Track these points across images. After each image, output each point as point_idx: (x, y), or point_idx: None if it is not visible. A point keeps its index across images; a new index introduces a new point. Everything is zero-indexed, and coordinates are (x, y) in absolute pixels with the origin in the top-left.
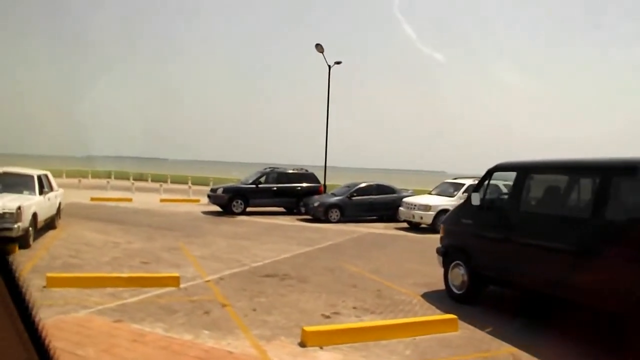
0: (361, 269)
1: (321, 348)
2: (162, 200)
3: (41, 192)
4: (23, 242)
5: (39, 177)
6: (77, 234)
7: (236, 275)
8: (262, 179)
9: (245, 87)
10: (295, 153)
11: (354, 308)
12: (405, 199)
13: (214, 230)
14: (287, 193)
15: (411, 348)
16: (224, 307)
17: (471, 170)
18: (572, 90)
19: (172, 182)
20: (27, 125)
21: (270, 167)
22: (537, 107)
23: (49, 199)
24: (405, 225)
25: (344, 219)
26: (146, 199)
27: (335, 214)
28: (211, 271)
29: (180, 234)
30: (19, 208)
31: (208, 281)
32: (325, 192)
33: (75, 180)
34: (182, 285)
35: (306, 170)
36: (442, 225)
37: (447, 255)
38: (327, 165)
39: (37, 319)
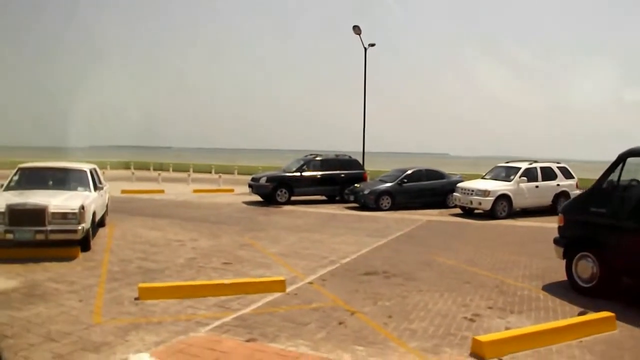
0: (455, 261)
1: (499, 359)
2: (195, 191)
3: (95, 188)
4: (85, 244)
5: (91, 172)
6: (130, 231)
7: (335, 274)
8: (306, 167)
9: (255, 70)
10: (311, 138)
11: (490, 308)
12: (460, 184)
13: (270, 223)
14: (331, 181)
15: (585, 352)
16: (352, 314)
17: (472, 151)
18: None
19: (194, 172)
20: (25, 117)
21: (311, 154)
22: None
23: (101, 195)
24: (458, 210)
25: (395, 206)
26: (178, 190)
27: (386, 201)
28: (305, 271)
29: (239, 228)
30: (82, 207)
31: (311, 283)
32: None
33: None
34: (288, 290)
35: (349, 157)
36: (561, 215)
37: (571, 246)
38: (345, 150)
39: None
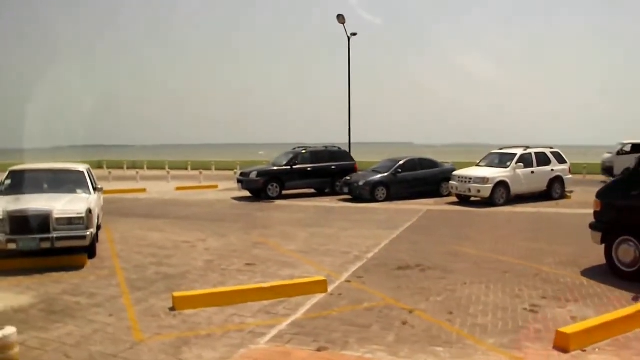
0: (478, 250)
1: (584, 351)
2: (178, 189)
3: (95, 190)
4: (91, 251)
5: (87, 172)
6: (130, 234)
7: (368, 270)
8: (296, 160)
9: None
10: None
11: (544, 298)
12: (456, 172)
13: (271, 219)
14: (322, 173)
15: None
16: (411, 312)
17: (439, 139)
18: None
19: (170, 168)
20: None
21: (300, 146)
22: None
23: (99, 197)
24: (453, 199)
25: (390, 197)
26: (159, 188)
27: (381, 192)
28: (335, 268)
29: (242, 226)
30: (89, 211)
31: (349, 281)
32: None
33: None
34: (328, 290)
35: (339, 148)
36: (597, 200)
37: (611, 231)
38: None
39: None
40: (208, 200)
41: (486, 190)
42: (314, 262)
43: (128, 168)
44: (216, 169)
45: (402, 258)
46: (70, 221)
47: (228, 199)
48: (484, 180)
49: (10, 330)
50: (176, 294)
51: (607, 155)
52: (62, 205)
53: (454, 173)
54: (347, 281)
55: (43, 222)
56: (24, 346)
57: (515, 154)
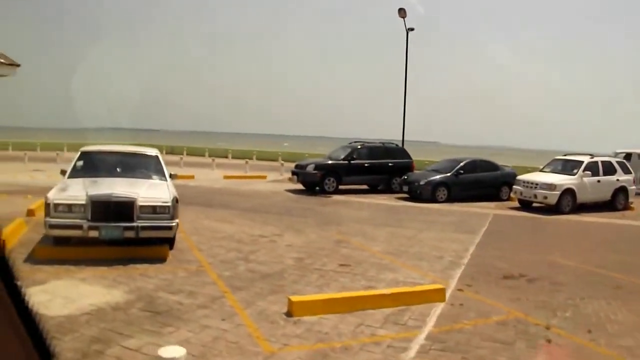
0: (574, 262)
1: None
2: (226, 177)
3: (170, 176)
4: (172, 242)
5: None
6: (199, 224)
7: (473, 278)
8: (354, 155)
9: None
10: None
11: None
12: (521, 177)
13: (336, 215)
14: (380, 169)
15: None
16: (548, 329)
17: (464, 140)
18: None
19: (209, 156)
20: (18, 97)
21: (356, 141)
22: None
23: (173, 184)
24: (514, 204)
25: (450, 198)
26: (206, 176)
27: (442, 193)
28: (436, 273)
29: (313, 221)
30: (176, 200)
31: (461, 290)
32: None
33: None
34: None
35: (396, 145)
36: None
37: None
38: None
39: (37, 320)
40: (262, 191)
41: (553, 197)
42: (411, 266)
43: (167, 153)
44: (257, 159)
45: (499, 266)
46: (154, 210)
47: (282, 190)
48: (551, 186)
49: (180, 351)
50: (294, 298)
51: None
52: (145, 192)
53: (519, 177)
54: (459, 289)
55: (127, 209)
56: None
57: (582, 162)
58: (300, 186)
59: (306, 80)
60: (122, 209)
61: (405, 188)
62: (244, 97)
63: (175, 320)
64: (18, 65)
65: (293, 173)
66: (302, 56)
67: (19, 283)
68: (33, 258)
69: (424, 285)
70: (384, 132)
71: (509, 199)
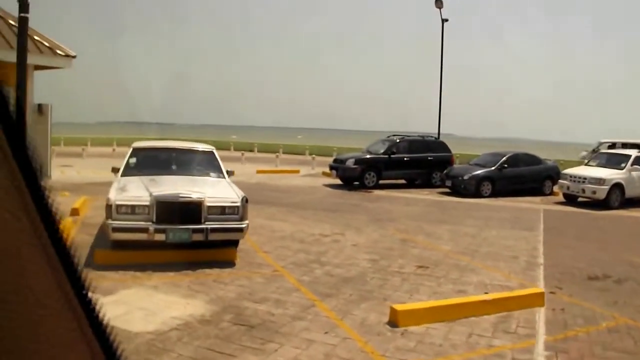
0: None
1: None
2: (259, 172)
3: (228, 173)
4: (236, 244)
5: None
6: (253, 222)
7: (559, 280)
8: (394, 149)
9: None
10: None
11: None
12: (568, 171)
13: (387, 211)
14: (420, 164)
15: None
16: None
17: (476, 132)
18: None
19: (235, 150)
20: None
21: (394, 135)
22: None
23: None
24: (560, 198)
25: (495, 193)
26: (240, 170)
27: (487, 187)
28: (519, 275)
29: (367, 218)
30: (246, 200)
31: (554, 293)
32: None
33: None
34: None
35: (436, 138)
36: None
37: None
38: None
39: (101, 314)
40: (301, 186)
41: (602, 191)
42: (491, 267)
43: None
44: (283, 152)
45: (578, 266)
46: (223, 210)
47: (320, 185)
48: (600, 181)
49: None
50: (398, 306)
51: (584, 154)
52: (211, 192)
53: (565, 171)
54: (552, 292)
55: (195, 210)
56: None
57: (630, 155)
58: (336, 181)
59: (321, 71)
60: (189, 210)
61: (449, 183)
62: (254, 90)
63: (273, 334)
64: (74, 57)
65: (331, 168)
66: (317, 47)
67: (84, 280)
68: (93, 263)
69: (522, 290)
70: (397, 125)
71: (551, 193)
